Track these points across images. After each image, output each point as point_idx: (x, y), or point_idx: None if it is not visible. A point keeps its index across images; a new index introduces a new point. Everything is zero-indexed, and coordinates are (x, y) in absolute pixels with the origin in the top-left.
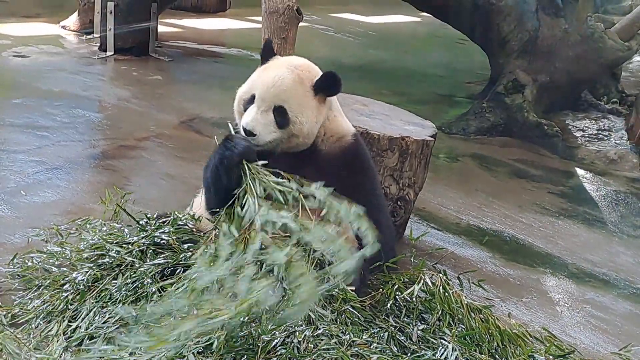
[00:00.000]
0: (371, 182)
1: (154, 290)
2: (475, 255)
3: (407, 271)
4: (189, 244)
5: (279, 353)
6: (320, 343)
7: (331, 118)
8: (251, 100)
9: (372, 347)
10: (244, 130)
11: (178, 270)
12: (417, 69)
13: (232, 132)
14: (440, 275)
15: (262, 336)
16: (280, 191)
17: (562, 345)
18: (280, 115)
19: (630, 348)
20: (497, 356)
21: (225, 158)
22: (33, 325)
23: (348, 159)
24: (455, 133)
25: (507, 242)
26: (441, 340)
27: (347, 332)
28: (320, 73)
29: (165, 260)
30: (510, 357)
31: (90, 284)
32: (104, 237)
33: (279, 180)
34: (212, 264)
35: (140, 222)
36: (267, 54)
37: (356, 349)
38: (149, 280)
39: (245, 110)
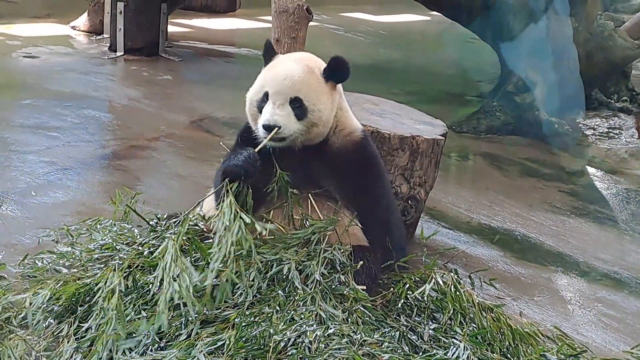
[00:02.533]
0: (382, 180)
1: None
2: (486, 254)
3: (418, 270)
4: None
5: (289, 353)
6: (331, 343)
7: (343, 108)
8: (263, 99)
9: (383, 346)
10: (266, 127)
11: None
12: (427, 67)
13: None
14: (452, 274)
15: (274, 336)
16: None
17: (573, 344)
18: (298, 106)
19: None
20: (508, 355)
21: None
22: (43, 326)
23: (359, 155)
24: (466, 132)
25: (518, 240)
26: (453, 340)
27: (358, 332)
28: (324, 64)
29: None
30: (522, 356)
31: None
32: (114, 237)
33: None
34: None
35: (151, 223)
36: (269, 54)
37: (367, 348)
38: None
39: (259, 111)
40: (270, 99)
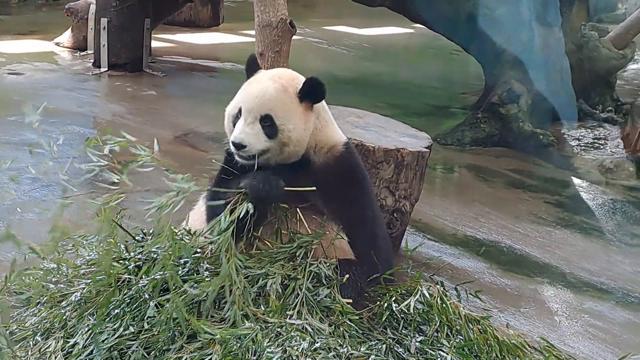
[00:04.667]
0: (366, 193)
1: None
2: (472, 266)
3: (404, 283)
4: (185, 259)
5: None
6: (318, 357)
7: (320, 128)
8: (237, 115)
9: (370, 359)
10: (233, 144)
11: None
12: (411, 80)
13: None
14: (438, 286)
15: (261, 352)
16: None
17: (560, 355)
18: (268, 124)
19: (630, 357)
20: None
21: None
22: (31, 343)
23: (341, 170)
24: (451, 144)
25: (504, 252)
26: (439, 352)
27: (344, 345)
28: (302, 80)
29: (161, 276)
30: None
31: (87, 301)
32: (101, 253)
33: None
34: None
35: (137, 238)
36: (252, 68)
37: None
38: (146, 295)
39: (234, 126)
40: (242, 115)
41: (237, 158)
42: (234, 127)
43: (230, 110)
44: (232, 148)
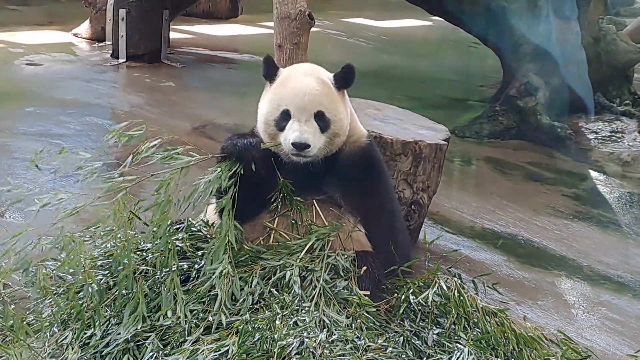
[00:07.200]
0: (386, 186)
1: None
2: (489, 259)
3: (422, 275)
4: (203, 251)
5: (294, 359)
6: (335, 348)
7: (352, 116)
8: (283, 117)
9: (387, 351)
10: (297, 145)
11: (192, 277)
12: (429, 73)
13: None
14: (455, 279)
15: (278, 342)
16: None
17: (577, 348)
18: (321, 119)
19: None
20: None
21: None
22: (48, 334)
23: (365, 161)
24: (469, 137)
25: (522, 245)
26: (457, 344)
27: (362, 337)
28: (327, 72)
29: (179, 267)
30: None
31: (105, 292)
32: (118, 244)
33: None
34: None
35: (154, 229)
36: (272, 69)
37: (371, 354)
38: (164, 287)
39: (279, 129)
40: (293, 116)
41: (294, 158)
42: (279, 130)
43: (268, 115)
44: (292, 149)
